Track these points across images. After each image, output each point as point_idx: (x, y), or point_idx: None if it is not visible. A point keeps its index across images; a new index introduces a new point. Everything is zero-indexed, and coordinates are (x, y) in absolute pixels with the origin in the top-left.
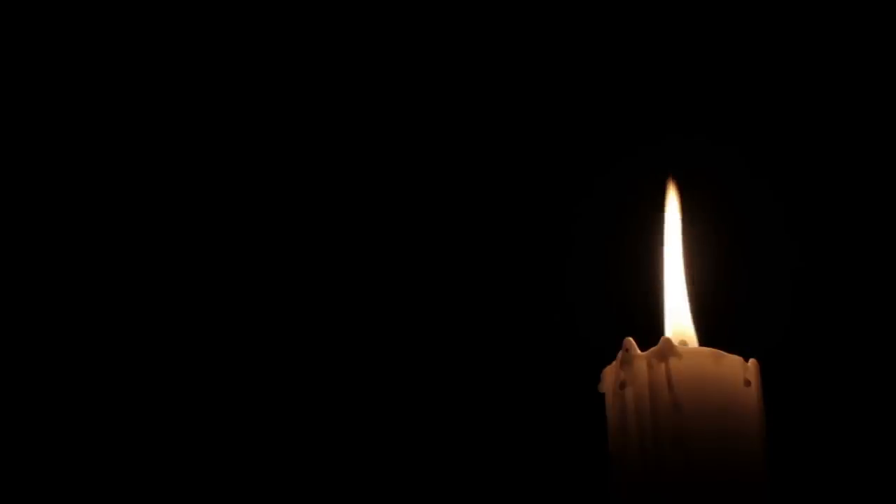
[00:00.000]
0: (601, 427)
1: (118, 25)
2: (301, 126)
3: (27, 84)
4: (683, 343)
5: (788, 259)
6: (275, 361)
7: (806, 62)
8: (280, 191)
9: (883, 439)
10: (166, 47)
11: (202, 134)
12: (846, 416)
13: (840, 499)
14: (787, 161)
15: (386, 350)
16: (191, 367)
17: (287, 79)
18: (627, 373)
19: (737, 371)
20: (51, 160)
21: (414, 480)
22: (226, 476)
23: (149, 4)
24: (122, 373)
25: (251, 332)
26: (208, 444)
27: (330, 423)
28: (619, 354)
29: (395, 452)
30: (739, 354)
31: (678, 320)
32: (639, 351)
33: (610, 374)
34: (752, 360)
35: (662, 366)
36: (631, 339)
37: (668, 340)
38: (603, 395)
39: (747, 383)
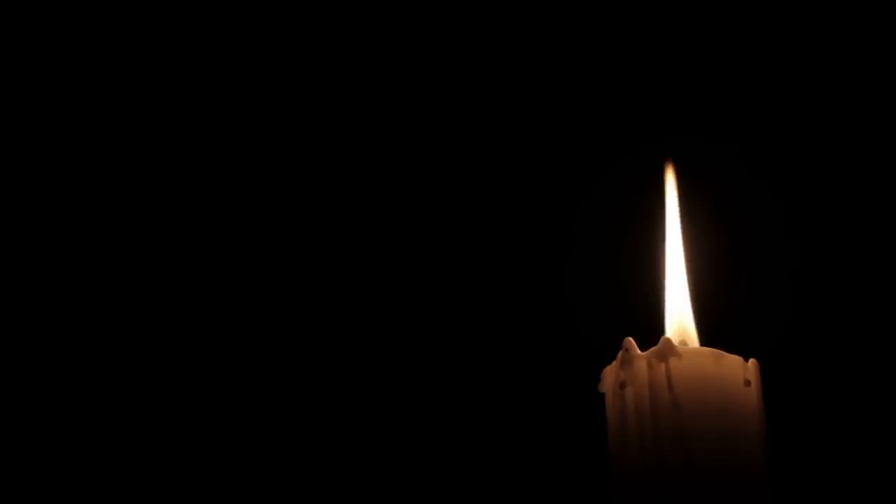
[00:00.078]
0: (601, 427)
1: (118, 25)
2: (301, 126)
3: (27, 84)
4: (683, 343)
5: (788, 259)
6: (275, 361)
7: (806, 62)
8: (280, 191)
9: (883, 439)
10: (166, 47)
11: (202, 134)
12: (846, 416)
13: (840, 499)
14: (787, 161)
15: (386, 350)
16: (191, 367)
17: (287, 79)
18: (627, 373)
19: (737, 371)
20: (51, 160)
21: (414, 480)
22: (226, 476)
23: (149, 4)
24: (122, 373)
25: (251, 332)
26: (208, 445)
27: (330, 423)
28: (619, 354)
29: (396, 452)
30: (739, 354)
31: (678, 320)
32: (639, 351)
33: (610, 374)
34: (752, 360)
35: (662, 366)
36: (631, 339)
37: (668, 340)
38: (603, 395)
39: (747, 383)
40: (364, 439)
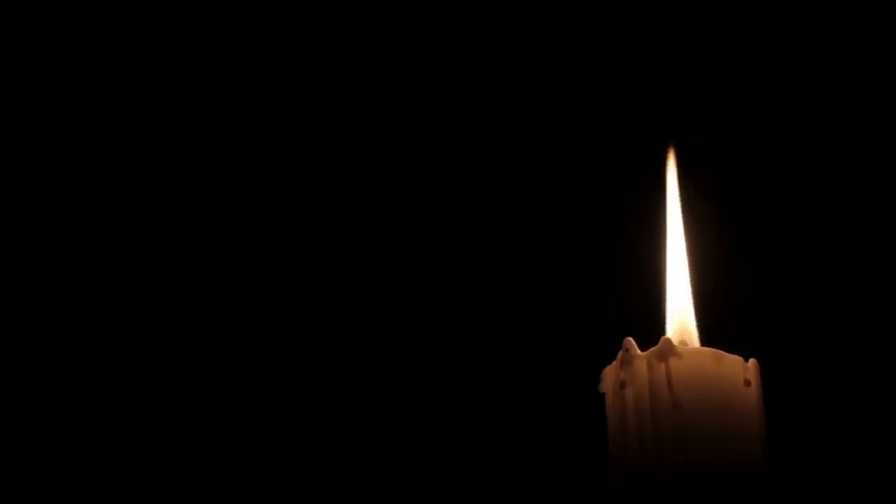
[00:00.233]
0: (601, 427)
1: (118, 25)
2: (301, 126)
3: (27, 84)
4: (683, 343)
5: (788, 259)
6: (275, 361)
7: (806, 62)
8: (280, 191)
9: (883, 439)
10: (166, 47)
11: (202, 134)
12: (846, 416)
13: (840, 499)
14: (787, 161)
15: (386, 350)
16: (190, 367)
17: (287, 79)
18: (627, 373)
19: (737, 371)
20: (50, 160)
21: (414, 480)
22: (226, 476)
23: (149, 4)
24: (122, 373)
25: (251, 332)
26: (208, 445)
27: (330, 423)
28: (619, 354)
29: (396, 452)
30: (739, 354)
31: (678, 320)
32: (639, 351)
33: (610, 374)
34: (752, 360)
35: (662, 366)
36: (631, 339)
37: (668, 340)
38: (603, 395)
39: (747, 383)
40: (364, 439)
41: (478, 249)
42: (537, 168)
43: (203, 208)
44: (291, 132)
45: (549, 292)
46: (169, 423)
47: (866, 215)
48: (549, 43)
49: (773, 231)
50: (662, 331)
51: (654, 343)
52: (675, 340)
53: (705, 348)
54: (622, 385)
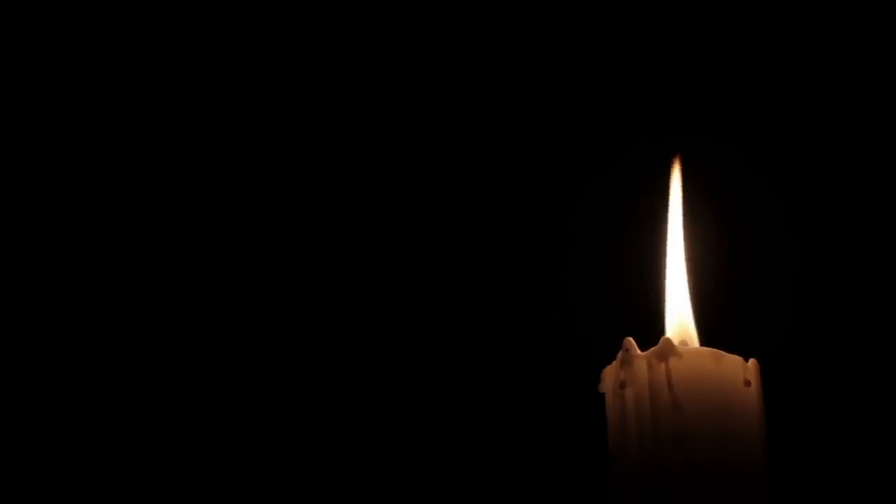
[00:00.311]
0: (601, 427)
1: (118, 25)
2: (301, 126)
3: (27, 84)
4: (683, 343)
5: (788, 259)
6: (275, 361)
7: (806, 62)
8: (280, 191)
9: (883, 439)
10: (166, 47)
11: (202, 134)
12: (846, 416)
13: (840, 499)
14: (787, 161)
15: (387, 350)
16: (191, 367)
17: (287, 79)
18: (627, 373)
19: (737, 371)
20: (50, 160)
21: (414, 480)
22: (226, 476)
23: (149, 4)
24: (122, 373)
25: (251, 332)
26: (208, 445)
27: (331, 423)
28: (619, 354)
29: (396, 452)
30: (739, 354)
31: (678, 320)
32: (639, 351)
33: (610, 374)
34: (752, 360)
35: (662, 366)
36: (631, 339)
37: (668, 340)
38: (603, 395)
39: (747, 383)
40: (364, 439)
41: (478, 250)
42: (538, 168)
43: (203, 208)
44: (291, 132)
45: (549, 292)
46: (169, 423)
47: (866, 215)
48: (550, 44)
49: (773, 231)
50: (662, 331)
51: (654, 343)
52: (675, 340)
53: (705, 348)
54: (622, 385)
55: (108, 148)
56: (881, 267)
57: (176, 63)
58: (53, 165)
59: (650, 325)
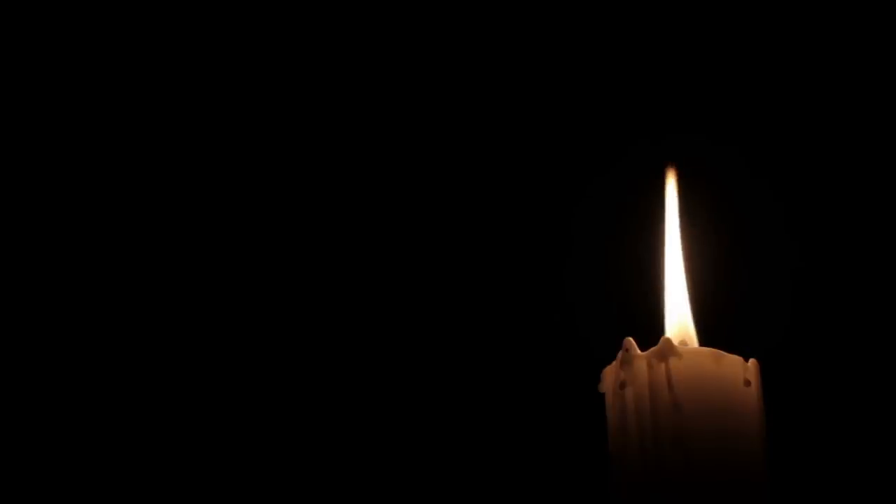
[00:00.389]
0: (601, 427)
1: (118, 25)
2: (301, 126)
3: (27, 84)
4: (683, 343)
5: (788, 259)
6: (275, 362)
7: (806, 62)
8: (280, 191)
9: (883, 439)
10: (166, 47)
11: (202, 134)
12: (846, 416)
13: (840, 499)
14: (787, 161)
15: (387, 350)
16: (191, 367)
17: (287, 79)
18: (627, 373)
19: (737, 371)
20: (50, 160)
21: (414, 480)
22: (226, 476)
23: (149, 4)
24: (122, 373)
25: (251, 333)
26: (208, 445)
27: (331, 423)
28: (619, 354)
29: (396, 452)
30: (739, 354)
31: (678, 320)
32: (639, 351)
33: (610, 374)
34: (752, 360)
35: (662, 366)
36: (631, 339)
37: (668, 340)
38: (603, 395)
39: (747, 383)
40: (365, 439)
41: (478, 250)
42: (537, 169)
43: (203, 208)
44: (291, 132)
45: (549, 292)
46: (168, 423)
47: (866, 215)
48: (550, 44)
49: (773, 231)
50: (662, 331)
51: (654, 343)
52: (675, 340)
53: (705, 348)
54: (622, 385)
55: (108, 148)
56: (881, 267)
57: (176, 63)
58: (53, 165)
59: (650, 325)
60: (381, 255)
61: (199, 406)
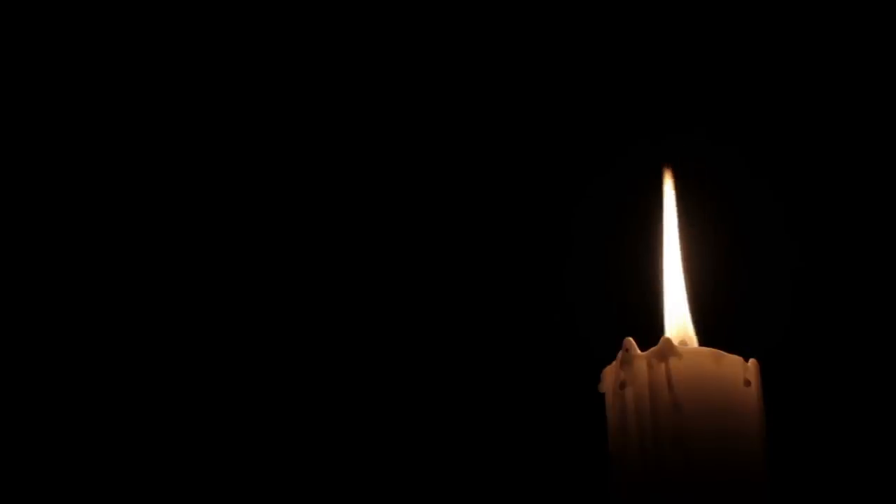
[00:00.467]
0: (601, 427)
1: (118, 25)
2: (301, 126)
3: (27, 84)
4: (683, 343)
5: (788, 259)
6: (275, 362)
7: (806, 62)
8: (280, 191)
9: (883, 439)
10: (166, 47)
11: (202, 134)
12: (846, 416)
13: (840, 499)
14: (787, 161)
15: (386, 350)
16: (191, 367)
17: (287, 79)
18: (627, 373)
19: (737, 371)
20: (50, 160)
21: (414, 480)
22: (226, 476)
23: (149, 4)
24: (122, 373)
25: (251, 333)
26: (208, 445)
27: (331, 423)
28: (619, 354)
29: (396, 452)
30: (739, 354)
31: (678, 320)
32: (639, 351)
33: (610, 374)
34: (752, 360)
35: (662, 366)
36: (631, 339)
37: (668, 340)
38: (603, 395)
39: (747, 383)
40: (365, 440)
41: (478, 250)
42: (537, 169)
43: (203, 208)
44: (291, 132)
45: (549, 293)
46: (169, 423)
47: (866, 215)
48: (549, 43)
49: (773, 231)
50: (662, 331)
51: (654, 343)
52: (675, 340)
53: (705, 348)
54: (622, 385)
55: (108, 148)
56: (880, 266)
57: (175, 63)
58: (53, 166)
59: (650, 325)
60: (382, 255)
61: (200, 406)
